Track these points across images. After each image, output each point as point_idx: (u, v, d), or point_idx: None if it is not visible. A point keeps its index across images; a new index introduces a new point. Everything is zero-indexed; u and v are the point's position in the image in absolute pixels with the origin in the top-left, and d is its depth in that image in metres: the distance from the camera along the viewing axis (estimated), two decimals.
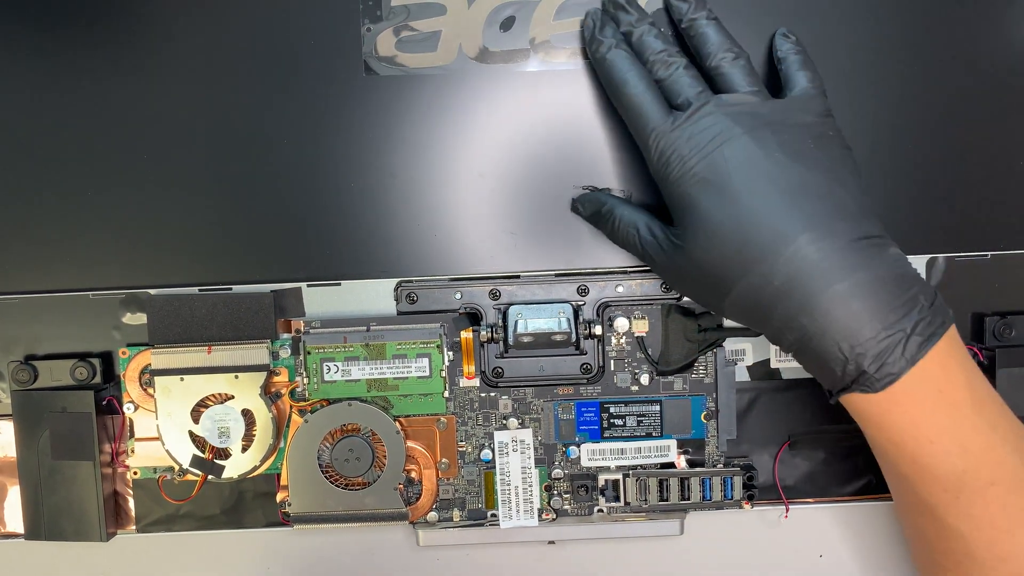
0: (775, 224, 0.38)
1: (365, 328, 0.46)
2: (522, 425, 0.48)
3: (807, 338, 0.38)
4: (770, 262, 0.38)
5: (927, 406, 0.38)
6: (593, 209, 0.45)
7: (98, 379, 0.47)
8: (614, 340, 0.47)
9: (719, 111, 0.40)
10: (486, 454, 0.48)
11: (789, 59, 0.43)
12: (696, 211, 0.39)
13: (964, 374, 0.39)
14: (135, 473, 0.48)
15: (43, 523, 0.47)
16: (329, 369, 0.46)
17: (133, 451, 0.47)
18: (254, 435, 0.46)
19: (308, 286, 0.47)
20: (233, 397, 0.46)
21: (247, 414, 0.46)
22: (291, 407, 0.47)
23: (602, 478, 0.48)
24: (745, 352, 0.48)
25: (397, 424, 0.47)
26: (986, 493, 0.38)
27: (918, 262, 0.47)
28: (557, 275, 0.47)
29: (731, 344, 0.48)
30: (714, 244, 0.39)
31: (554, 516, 0.48)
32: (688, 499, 0.47)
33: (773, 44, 0.44)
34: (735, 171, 0.39)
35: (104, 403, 0.47)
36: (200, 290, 0.47)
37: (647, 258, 0.43)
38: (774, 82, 0.44)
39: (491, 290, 0.47)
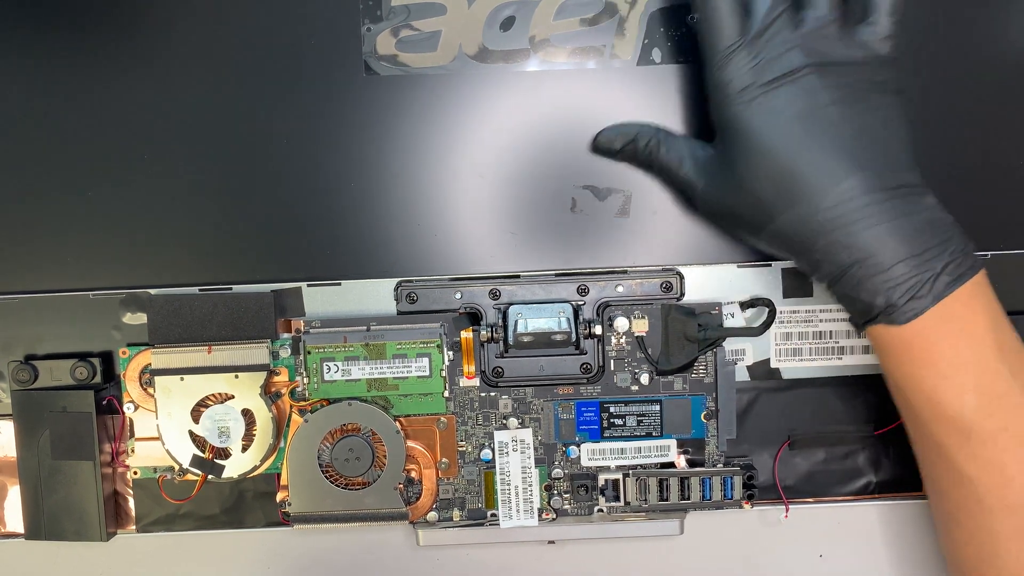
0: (829, 161, 0.39)
1: (365, 328, 0.46)
2: (522, 425, 0.48)
3: (844, 270, 0.40)
4: (819, 196, 0.39)
5: (948, 342, 0.39)
6: (626, 140, 0.45)
7: (98, 379, 0.47)
8: (614, 340, 0.47)
9: (794, 39, 0.40)
10: (486, 454, 0.48)
11: None
12: (751, 135, 0.40)
13: (989, 318, 0.40)
14: (135, 473, 0.48)
15: (43, 523, 0.47)
16: (329, 369, 0.46)
17: (133, 451, 0.47)
18: (254, 435, 0.46)
19: (308, 286, 0.47)
20: (233, 397, 0.46)
21: (247, 414, 0.46)
22: (291, 407, 0.47)
23: (602, 478, 0.48)
24: (745, 352, 0.48)
25: (397, 424, 0.47)
26: (997, 438, 0.39)
27: None
28: (557, 275, 0.47)
29: (731, 344, 0.48)
30: (765, 170, 0.40)
31: (554, 516, 0.48)
32: (688, 499, 0.47)
33: None
34: (798, 107, 0.40)
35: (104, 403, 0.47)
36: (200, 290, 0.47)
37: (686, 183, 0.44)
38: None
39: (491, 290, 0.47)
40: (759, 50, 0.40)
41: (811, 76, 0.40)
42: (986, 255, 0.47)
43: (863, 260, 0.39)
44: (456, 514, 0.48)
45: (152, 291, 0.47)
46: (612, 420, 0.47)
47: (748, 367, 0.48)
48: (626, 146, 0.45)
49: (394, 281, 0.47)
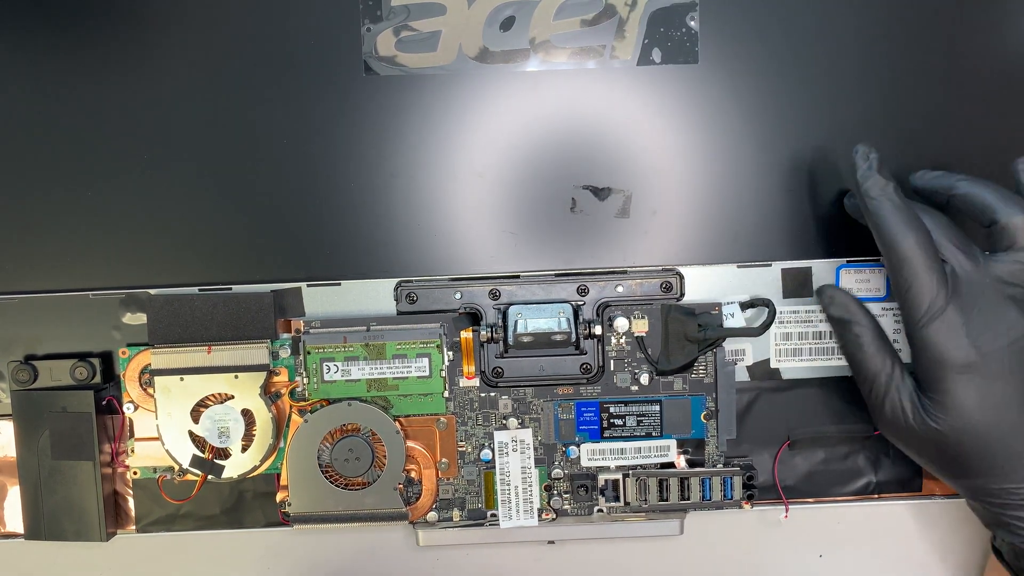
0: None
1: (365, 328, 0.46)
2: (522, 425, 0.48)
3: None
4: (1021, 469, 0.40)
5: None
6: (871, 372, 0.43)
7: (98, 379, 0.47)
8: (614, 340, 0.47)
9: (1002, 293, 0.39)
10: (486, 454, 0.48)
11: None
12: (960, 402, 0.40)
13: None
14: (135, 473, 0.48)
15: (43, 523, 0.47)
16: (329, 369, 0.46)
17: (133, 451, 0.47)
18: (254, 435, 0.46)
19: (308, 286, 0.47)
20: (233, 397, 0.46)
21: (247, 414, 0.46)
22: (291, 407, 0.47)
23: (602, 478, 0.48)
24: (745, 352, 0.48)
25: (397, 424, 0.47)
26: None
27: None
28: (557, 275, 0.47)
29: (731, 344, 0.48)
30: (969, 436, 0.40)
31: (554, 516, 0.48)
32: (688, 499, 0.47)
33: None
34: (1011, 370, 0.39)
35: (104, 403, 0.47)
36: (200, 290, 0.47)
37: (901, 428, 0.43)
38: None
39: (491, 290, 0.47)
40: (971, 307, 0.39)
41: None
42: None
43: None
44: (456, 514, 0.48)
45: (152, 291, 0.47)
46: (612, 420, 0.47)
47: (748, 367, 0.48)
48: (868, 382, 0.43)
49: (394, 281, 0.47)
